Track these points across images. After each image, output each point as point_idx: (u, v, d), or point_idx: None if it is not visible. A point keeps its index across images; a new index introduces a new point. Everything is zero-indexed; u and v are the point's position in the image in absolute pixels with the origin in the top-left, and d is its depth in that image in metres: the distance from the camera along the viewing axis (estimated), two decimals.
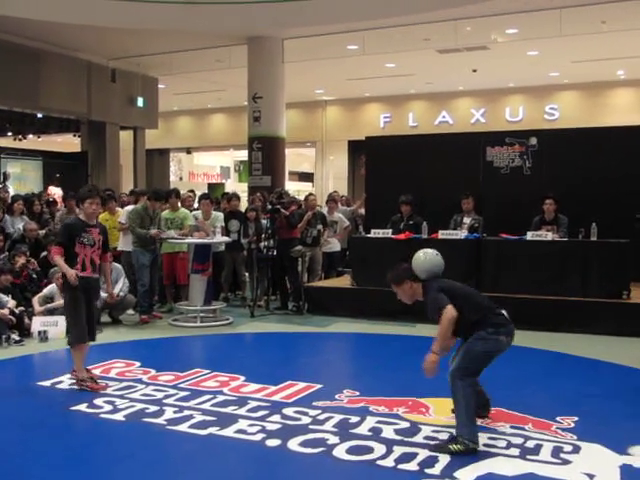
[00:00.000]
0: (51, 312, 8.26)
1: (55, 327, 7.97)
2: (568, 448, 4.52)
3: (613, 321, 8.30)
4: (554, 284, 8.65)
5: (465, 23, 13.87)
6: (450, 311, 4.47)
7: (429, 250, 4.92)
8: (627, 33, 13.68)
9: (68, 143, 22.10)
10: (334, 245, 11.46)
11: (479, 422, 4.91)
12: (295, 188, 24.55)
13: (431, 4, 12.80)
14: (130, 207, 9.91)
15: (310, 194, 11.71)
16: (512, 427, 4.89)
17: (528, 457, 4.36)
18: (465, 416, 4.49)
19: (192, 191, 12.03)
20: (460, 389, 4.51)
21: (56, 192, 17.95)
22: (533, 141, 10.39)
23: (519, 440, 4.65)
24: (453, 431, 4.75)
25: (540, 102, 20.65)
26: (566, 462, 4.30)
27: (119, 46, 16.18)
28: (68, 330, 6.13)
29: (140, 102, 18.46)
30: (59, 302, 7.94)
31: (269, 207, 9.86)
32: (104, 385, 5.93)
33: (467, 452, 4.38)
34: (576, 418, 5.09)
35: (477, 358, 4.57)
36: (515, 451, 4.47)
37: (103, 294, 8.74)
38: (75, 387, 5.90)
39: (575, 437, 4.71)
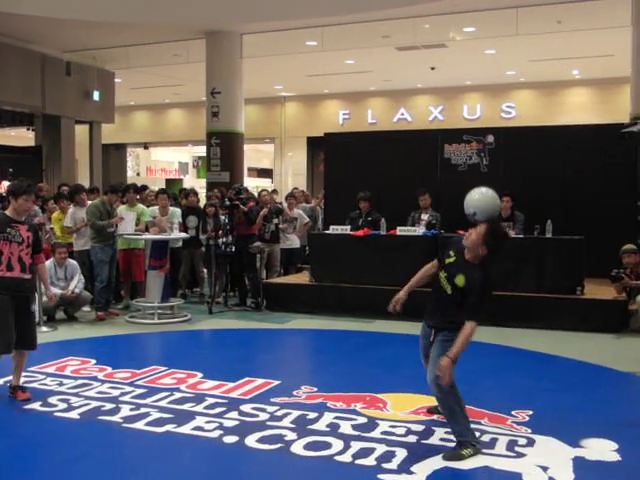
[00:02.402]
0: None
1: None
2: (523, 441, 4.58)
3: (567, 317, 8.44)
4: (509, 280, 8.73)
5: (424, 21, 13.95)
6: (475, 329, 4.25)
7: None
8: (582, 33, 13.89)
9: (21, 137, 21.64)
10: (293, 241, 11.46)
11: (435, 417, 4.97)
12: (254, 184, 24.50)
13: (390, 1, 12.84)
14: (72, 209, 9.64)
15: (263, 190, 11.73)
16: None
17: (484, 451, 4.40)
18: (463, 420, 4.42)
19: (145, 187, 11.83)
20: (450, 395, 4.38)
21: None
22: (490, 139, 10.50)
23: (475, 434, 4.70)
24: (410, 426, 4.80)
25: (497, 100, 20.89)
26: (521, 455, 4.36)
27: (74, 38, 15.87)
28: None
29: (96, 96, 18.15)
30: None
31: (227, 203, 9.81)
32: (27, 395, 5.54)
33: (477, 453, 4.32)
34: (531, 412, 5.17)
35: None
36: None
37: (58, 291, 8.67)
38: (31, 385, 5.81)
39: (530, 430, 4.78)
